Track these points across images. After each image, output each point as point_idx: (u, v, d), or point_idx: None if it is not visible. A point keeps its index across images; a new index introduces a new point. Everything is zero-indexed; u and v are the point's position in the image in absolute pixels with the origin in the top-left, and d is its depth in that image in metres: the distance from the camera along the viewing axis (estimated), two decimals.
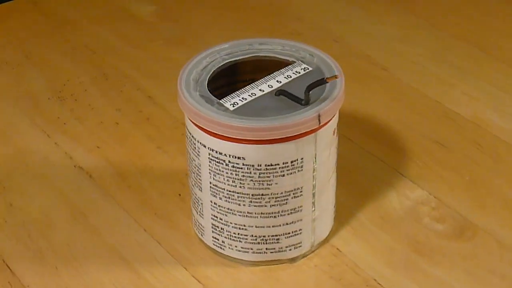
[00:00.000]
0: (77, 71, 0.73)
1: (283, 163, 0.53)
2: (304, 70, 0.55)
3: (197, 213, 0.57)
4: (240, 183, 0.53)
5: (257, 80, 0.54)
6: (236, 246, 0.56)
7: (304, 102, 0.52)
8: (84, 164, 0.64)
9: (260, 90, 0.54)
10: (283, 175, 0.53)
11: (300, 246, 0.56)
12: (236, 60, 0.56)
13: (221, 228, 0.56)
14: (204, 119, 0.52)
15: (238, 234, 0.55)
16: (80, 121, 0.68)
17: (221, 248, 0.57)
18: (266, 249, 0.56)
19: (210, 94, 0.53)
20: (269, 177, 0.53)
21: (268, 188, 0.53)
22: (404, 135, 0.66)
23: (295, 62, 0.56)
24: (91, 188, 0.62)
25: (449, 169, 0.63)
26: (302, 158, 0.53)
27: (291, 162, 0.53)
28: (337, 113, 0.54)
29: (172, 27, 0.79)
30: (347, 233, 0.59)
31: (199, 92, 0.53)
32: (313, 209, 0.55)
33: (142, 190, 0.62)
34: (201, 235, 0.57)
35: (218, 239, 0.56)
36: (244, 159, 0.52)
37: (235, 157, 0.52)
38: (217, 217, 0.55)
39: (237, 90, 0.53)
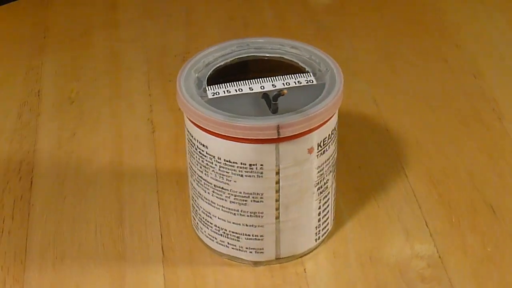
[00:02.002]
0: None
1: (241, 163, 0.52)
2: (307, 82, 0.54)
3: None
4: (205, 170, 0.54)
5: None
6: (204, 232, 0.57)
7: (272, 110, 0.52)
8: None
9: (249, 88, 0.54)
10: (241, 175, 0.53)
11: (261, 252, 0.56)
12: (259, 56, 0.57)
13: (196, 210, 0.57)
14: (181, 100, 0.53)
15: (206, 220, 0.56)
16: None
17: (196, 229, 0.58)
18: (228, 243, 0.56)
19: (207, 78, 0.54)
20: (228, 173, 0.53)
21: (227, 184, 0.54)
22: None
23: (307, 72, 0.55)
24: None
25: (477, 231, 0.58)
26: (261, 165, 0.52)
27: (250, 165, 0.52)
28: (316, 133, 0.52)
29: None
30: (325, 260, 0.57)
31: (199, 74, 0.55)
32: (278, 220, 0.55)
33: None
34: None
35: (195, 219, 0.58)
36: (207, 148, 0.53)
37: (201, 144, 0.53)
38: (193, 198, 0.57)
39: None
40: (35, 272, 0.56)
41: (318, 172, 0.54)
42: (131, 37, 0.79)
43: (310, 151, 0.53)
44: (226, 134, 0.52)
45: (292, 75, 0.54)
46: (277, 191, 0.54)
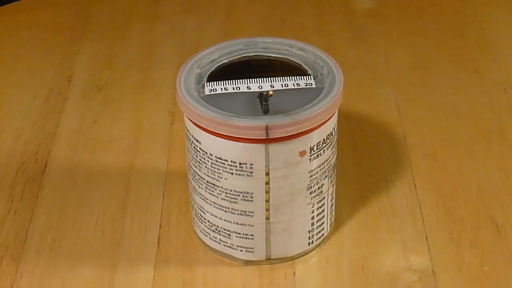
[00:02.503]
0: None
1: (231, 161, 0.53)
2: (305, 85, 0.54)
3: None
4: (199, 165, 0.54)
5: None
6: (199, 226, 0.57)
7: (263, 110, 0.52)
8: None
9: (247, 87, 0.54)
10: (232, 173, 0.53)
11: (252, 252, 0.56)
12: (265, 56, 0.57)
13: (192, 205, 0.58)
14: (177, 95, 0.54)
15: (200, 215, 0.57)
16: None
17: (193, 223, 0.58)
18: (220, 240, 0.56)
19: (208, 75, 0.55)
20: (219, 170, 0.53)
21: (219, 181, 0.54)
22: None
23: (309, 75, 0.55)
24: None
25: (476, 249, 0.57)
26: (251, 164, 0.52)
27: (239, 163, 0.52)
28: (308, 137, 0.52)
29: None
30: (316, 264, 0.57)
31: (201, 70, 0.55)
32: (268, 220, 0.55)
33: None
34: None
35: (192, 214, 0.58)
36: (200, 144, 0.53)
37: (195, 139, 0.54)
38: (190, 193, 0.57)
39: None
40: (33, 252, 0.58)
41: (311, 176, 0.54)
42: (168, 30, 0.80)
43: (302, 154, 0.53)
44: (216, 131, 0.52)
45: (292, 77, 0.54)
46: (267, 191, 0.54)
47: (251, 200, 0.54)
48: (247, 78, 0.54)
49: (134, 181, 0.63)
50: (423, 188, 0.62)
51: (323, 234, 0.57)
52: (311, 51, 0.56)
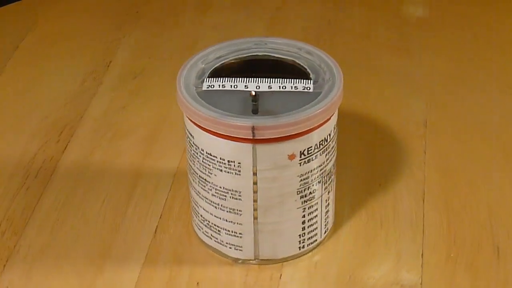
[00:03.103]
0: None
1: (220, 158, 0.53)
2: (303, 89, 0.53)
3: None
4: (193, 159, 0.55)
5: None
6: (194, 220, 0.58)
7: (252, 110, 0.52)
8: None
9: (245, 86, 0.54)
10: (221, 170, 0.53)
11: (240, 250, 0.56)
12: (271, 56, 0.56)
13: (190, 198, 0.58)
14: (176, 88, 0.54)
15: (195, 209, 0.57)
16: None
17: (191, 217, 0.59)
18: (211, 235, 0.57)
19: (211, 71, 0.55)
20: (209, 165, 0.53)
21: (209, 176, 0.54)
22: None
23: (310, 79, 0.54)
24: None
25: (471, 271, 0.56)
26: (239, 163, 0.52)
27: (228, 161, 0.53)
28: (298, 141, 0.52)
29: None
30: (304, 269, 0.56)
31: (206, 65, 0.55)
32: (256, 220, 0.54)
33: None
34: None
35: (190, 206, 0.59)
36: (193, 138, 0.54)
37: (190, 133, 0.54)
38: (188, 186, 0.58)
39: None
40: (34, 230, 0.59)
41: (302, 180, 0.54)
42: (214, 24, 0.81)
43: (291, 157, 0.53)
44: (205, 127, 0.52)
45: (292, 80, 0.54)
46: (255, 192, 0.53)
47: (239, 199, 0.54)
48: (248, 77, 0.54)
49: (146, 170, 0.64)
50: (431, 203, 0.61)
51: (316, 240, 0.57)
52: (318, 55, 0.56)
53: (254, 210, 0.54)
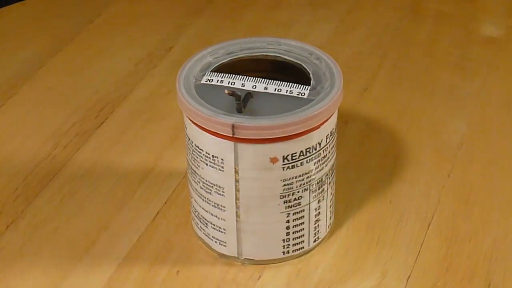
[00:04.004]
0: None
1: (206, 152, 0.53)
2: (298, 94, 0.53)
3: None
4: (187, 150, 0.55)
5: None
6: (190, 209, 0.59)
7: (236, 109, 0.52)
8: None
9: (242, 84, 0.54)
10: (207, 164, 0.54)
11: (225, 246, 0.56)
12: (281, 58, 0.56)
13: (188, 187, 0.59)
14: (177, 78, 0.55)
15: (190, 198, 0.58)
16: None
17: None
18: (201, 227, 0.57)
19: (217, 65, 0.55)
20: (197, 158, 0.54)
21: (197, 168, 0.55)
22: None
23: (308, 85, 0.54)
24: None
25: None
26: (222, 159, 0.53)
27: (212, 156, 0.53)
28: (281, 145, 0.51)
29: None
30: (285, 275, 0.56)
31: (214, 59, 0.56)
32: (239, 219, 0.55)
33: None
34: None
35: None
36: (186, 129, 0.54)
37: (184, 124, 0.55)
38: None
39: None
40: (45, 198, 0.62)
41: (285, 185, 0.53)
42: (282, 20, 0.81)
43: (273, 161, 0.52)
44: (193, 120, 0.53)
45: (289, 84, 0.54)
46: (238, 190, 0.54)
47: (222, 195, 0.54)
48: (248, 76, 0.54)
49: (167, 155, 0.65)
50: (436, 229, 0.59)
51: (302, 247, 0.56)
52: (326, 62, 0.55)
53: (236, 207, 0.54)
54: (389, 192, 0.62)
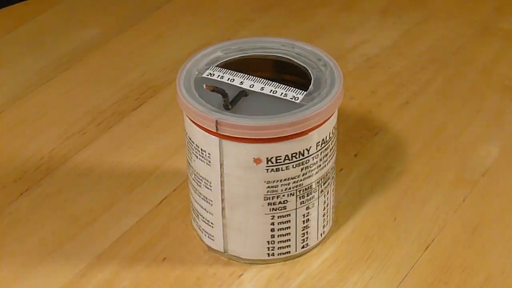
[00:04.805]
0: None
1: (196, 145, 0.54)
2: (291, 98, 0.53)
3: None
4: (186, 141, 0.56)
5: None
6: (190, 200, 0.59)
7: (223, 106, 0.52)
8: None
9: (240, 82, 0.54)
10: (197, 156, 0.54)
11: (212, 239, 0.57)
12: (290, 60, 0.56)
13: None
14: (180, 68, 0.56)
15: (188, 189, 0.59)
16: None
17: None
18: (194, 218, 0.58)
19: (223, 61, 0.56)
20: (190, 150, 0.55)
21: (191, 160, 0.55)
22: None
23: (305, 90, 0.53)
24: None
25: None
26: (209, 154, 0.53)
27: (201, 149, 0.53)
28: (264, 147, 0.51)
29: None
30: (265, 278, 0.56)
31: (224, 54, 0.56)
32: (224, 215, 0.55)
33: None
34: None
35: None
36: (184, 121, 0.55)
37: (183, 117, 0.55)
38: None
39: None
40: (62, 173, 0.64)
41: (269, 187, 0.53)
42: (348, 23, 0.80)
43: (257, 161, 0.52)
44: (185, 112, 0.53)
45: (286, 87, 0.53)
46: (223, 186, 0.54)
47: (210, 188, 0.55)
48: (252, 75, 0.55)
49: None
50: (432, 254, 0.57)
51: (288, 251, 0.56)
52: (332, 70, 0.55)
53: (222, 203, 0.55)
54: (397, 210, 0.60)
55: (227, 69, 0.55)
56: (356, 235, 0.58)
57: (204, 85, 0.52)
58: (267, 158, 0.52)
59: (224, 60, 0.56)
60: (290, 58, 0.56)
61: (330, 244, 0.58)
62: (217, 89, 0.52)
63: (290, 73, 0.56)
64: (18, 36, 0.79)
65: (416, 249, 0.57)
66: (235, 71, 0.55)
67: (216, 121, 0.51)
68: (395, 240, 0.58)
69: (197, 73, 0.55)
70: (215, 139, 0.52)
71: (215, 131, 0.52)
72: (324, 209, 0.56)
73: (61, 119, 0.69)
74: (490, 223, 0.59)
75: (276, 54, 0.57)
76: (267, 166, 0.53)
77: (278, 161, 0.52)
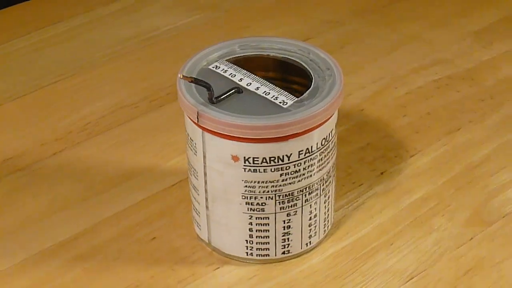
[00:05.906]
0: None
1: (187, 133, 0.55)
2: (280, 102, 0.52)
3: None
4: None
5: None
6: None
7: (208, 99, 0.52)
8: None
9: (240, 79, 0.54)
10: (187, 144, 0.55)
11: (200, 229, 0.57)
12: (299, 63, 0.56)
13: None
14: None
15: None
16: None
17: None
18: (192, 208, 0.58)
19: (236, 53, 0.56)
20: (187, 140, 0.55)
21: (186, 148, 0.56)
22: None
23: (298, 95, 0.53)
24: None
25: None
26: (195, 144, 0.54)
27: (190, 138, 0.54)
28: (241, 146, 0.51)
29: None
30: (236, 274, 0.56)
31: (240, 49, 0.57)
32: (207, 205, 0.55)
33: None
34: None
35: None
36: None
37: None
38: None
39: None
40: (87, 145, 0.66)
41: (247, 186, 0.53)
42: (406, 31, 0.79)
43: (235, 159, 0.52)
44: (179, 101, 0.54)
45: (279, 90, 0.53)
46: (206, 177, 0.54)
47: (196, 178, 0.55)
48: (251, 73, 0.55)
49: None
50: (429, 272, 0.55)
51: (267, 254, 0.56)
52: (334, 80, 0.54)
53: (206, 194, 0.55)
54: (399, 235, 0.58)
55: (235, 64, 0.56)
56: (344, 253, 0.57)
57: (180, 75, 0.53)
58: (244, 157, 0.52)
59: (236, 56, 0.57)
60: (300, 62, 0.56)
61: (315, 256, 0.57)
62: (197, 80, 0.52)
63: (296, 78, 0.56)
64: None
65: (398, 280, 0.56)
66: (242, 67, 0.55)
67: (198, 112, 0.52)
68: (382, 267, 0.56)
69: (205, 63, 0.56)
70: (199, 130, 0.53)
71: (196, 121, 0.52)
72: (310, 219, 0.56)
73: (98, 103, 0.71)
74: (487, 268, 0.56)
75: (288, 57, 0.56)
76: (244, 165, 0.53)
77: (256, 162, 0.52)
